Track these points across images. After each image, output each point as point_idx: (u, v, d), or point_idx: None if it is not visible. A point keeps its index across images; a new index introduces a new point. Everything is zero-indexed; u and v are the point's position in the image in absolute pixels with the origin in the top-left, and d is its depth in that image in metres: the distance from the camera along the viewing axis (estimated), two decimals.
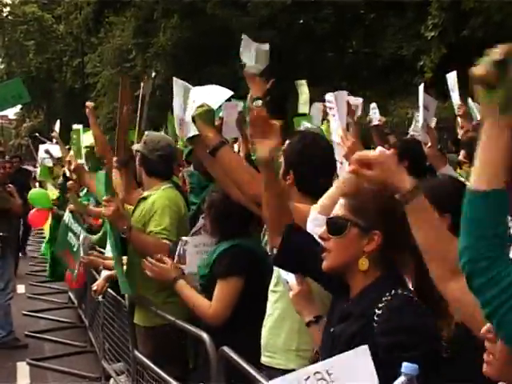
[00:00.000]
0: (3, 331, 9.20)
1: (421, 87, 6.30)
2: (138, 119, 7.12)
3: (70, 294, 11.04)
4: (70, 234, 8.28)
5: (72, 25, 36.53)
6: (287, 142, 3.74)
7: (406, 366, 1.94)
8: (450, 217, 3.43)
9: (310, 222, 3.21)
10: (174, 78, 4.35)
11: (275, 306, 3.62)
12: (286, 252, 2.93)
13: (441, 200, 3.42)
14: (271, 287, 3.67)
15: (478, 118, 7.04)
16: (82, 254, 7.02)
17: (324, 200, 3.18)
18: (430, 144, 5.63)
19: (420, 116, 6.02)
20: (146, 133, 5.50)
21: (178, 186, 5.79)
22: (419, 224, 2.24)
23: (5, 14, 56.60)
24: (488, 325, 1.83)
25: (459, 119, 6.87)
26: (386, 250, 2.52)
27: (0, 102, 12.60)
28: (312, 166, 3.53)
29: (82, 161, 7.83)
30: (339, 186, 3.12)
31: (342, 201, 2.61)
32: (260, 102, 4.76)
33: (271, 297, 3.66)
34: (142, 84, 7.69)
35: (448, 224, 3.43)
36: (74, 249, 8.09)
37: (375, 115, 7.80)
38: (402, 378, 1.91)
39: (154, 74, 7.77)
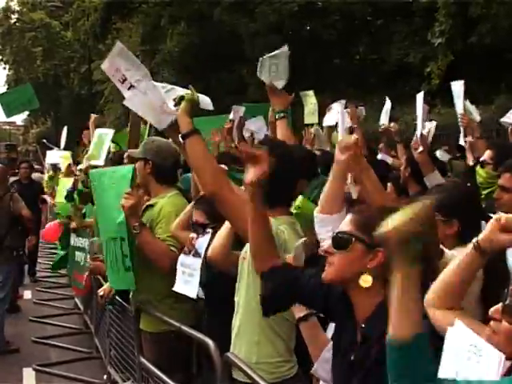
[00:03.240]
0: None
1: (419, 95, 6.33)
2: (148, 126, 7.17)
3: (76, 300, 11.03)
4: (77, 253, 8.35)
5: (79, 31, 36.63)
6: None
7: None
8: (457, 222, 3.44)
9: (317, 224, 3.22)
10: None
11: (236, 317, 3.65)
12: (271, 300, 2.95)
13: (449, 205, 3.43)
14: (235, 297, 3.69)
15: (477, 120, 7.08)
16: (88, 259, 7.01)
17: (322, 200, 3.24)
18: (421, 149, 5.68)
19: (419, 123, 6.06)
20: (150, 139, 5.47)
21: (183, 191, 5.79)
22: None
23: (13, 21, 56.86)
24: (496, 306, 2.06)
25: (462, 128, 6.86)
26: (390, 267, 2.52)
27: (10, 108, 12.72)
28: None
29: (100, 162, 7.81)
30: (332, 181, 3.25)
31: (349, 217, 2.64)
32: (282, 114, 4.80)
33: (235, 307, 3.69)
34: None
35: (455, 230, 3.44)
36: (81, 263, 8.13)
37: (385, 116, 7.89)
38: None
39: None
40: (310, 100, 8.84)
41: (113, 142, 8.29)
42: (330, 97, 17.73)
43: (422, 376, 1.90)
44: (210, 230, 4.36)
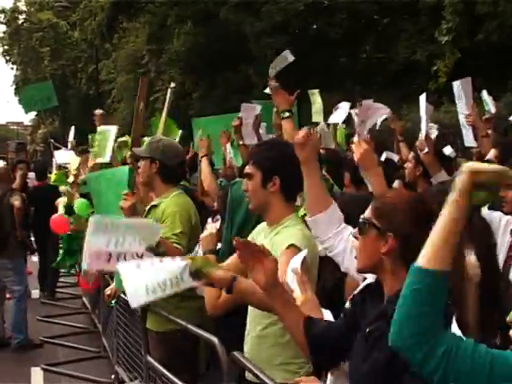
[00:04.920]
0: (21, 335, 9.27)
1: (422, 96, 6.32)
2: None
3: (83, 299, 11.07)
4: None
5: (87, 31, 36.70)
6: (257, 148, 3.92)
7: None
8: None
9: (313, 229, 3.37)
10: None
11: (256, 320, 3.64)
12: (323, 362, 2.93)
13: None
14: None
15: (493, 111, 7.03)
16: None
17: (306, 204, 3.36)
18: (426, 150, 5.68)
19: (423, 124, 6.06)
20: (155, 138, 5.48)
21: (189, 189, 5.80)
22: None
23: (20, 22, 57.01)
24: None
25: (469, 128, 6.81)
26: (404, 252, 2.53)
27: (28, 103, 12.70)
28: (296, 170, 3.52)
29: (106, 159, 7.80)
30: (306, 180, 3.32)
31: (372, 203, 2.70)
32: (287, 114, 4.83)
33: (252, 311, 3.68)
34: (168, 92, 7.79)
35: None
36: None
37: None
38: None
39: (173, 85, 7.85)
40: (316, 99, 8.84)
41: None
42: (337, 95, 17.78)
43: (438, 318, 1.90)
44: (218, 217, 4.51)
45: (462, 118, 6.97)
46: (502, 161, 5.06)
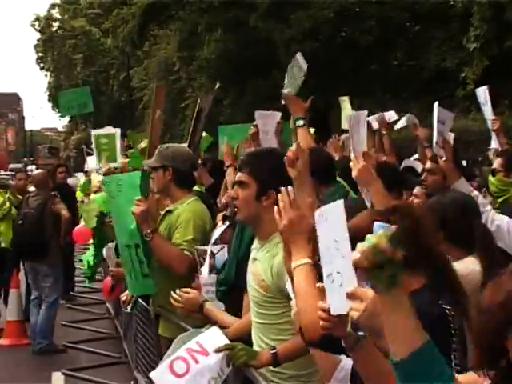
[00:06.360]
0: (45, 341, 9.33)
1: (436, 104, 6.29)
2: (190, 131, 7.21)
3: (107, 304, 11.12)
4: None
5: (118, 38, 36.99)
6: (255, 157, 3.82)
7: (377, 226, 2.03)
8: (443, 233, 3.44)
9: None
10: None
11: (266, 335, 3.60)
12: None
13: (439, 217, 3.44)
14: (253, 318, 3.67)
15: None
16: (110, 267, 7.04)
17: None
18: (444, 158, 5.62)
19: (434, 131, 6.00)
20: (163, 146, 5.47)
21: (203, 194, 5.80)
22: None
23: (54, 29, 57.71)
24: None
25: (493, 134, 6.80)
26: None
27: (65, 107, 12.89)
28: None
29: (117, 164, 7.83)
30: None
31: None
32: (302, 122, 4.79)
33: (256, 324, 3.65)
34: (199, 99, 7.79)
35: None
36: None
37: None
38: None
39: (217, 85, 7.88)
40: (346, 106, 8.82)
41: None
42: (367, 103, 17.71)
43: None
44: (227, 223, 4.52)
45: (489, 123, 6.99)
46: (507, 170, 5.01)
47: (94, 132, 8.43)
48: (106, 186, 5.53)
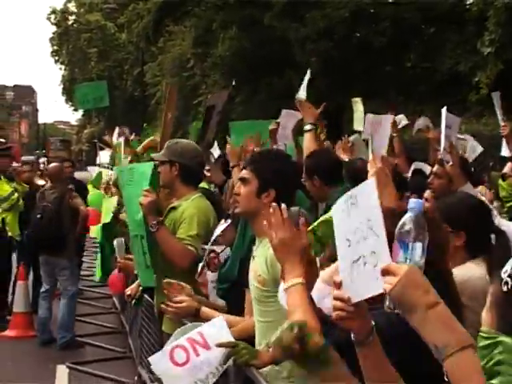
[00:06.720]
0: (69, 334, 9.37)
1: (444, 109, 6.28)
2: (203, 128, 7.22)
3: (114, 299, 11.14)
4: None
5: (133, 34, 37.08)
6: (260, 156, 3.88)
7: (412, 202, 2.00)
8: (464, 234, 3.43)
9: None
10: None
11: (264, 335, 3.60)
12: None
13: (457, 217, 3.42)
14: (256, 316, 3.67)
15: None
16: (118, 259, 7.06)
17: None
18: (451, 162, 5.60)
19: (442, 136, 5.99)
20: (172, 141, 5.48)
21: (208, 191, 5.80)
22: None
23: (70, 23, 57.87)
24: None
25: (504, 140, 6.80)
26: None
27: (82, 100, 13.01)
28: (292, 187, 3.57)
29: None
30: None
31: None
32: (309, 127, 4.81)
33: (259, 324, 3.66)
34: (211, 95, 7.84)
35: (463, 241, 3.44)
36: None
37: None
38: (408, 214, 1.98)
39: (234, 83, 7.96)
40: (359, 107, 8.81)
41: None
42: (377, 104, 17.64)
43: None
44: (228, 221, 4.60)
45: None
46: None
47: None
48: (119, 174, 5.53)
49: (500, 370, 1.65)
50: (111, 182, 10.18)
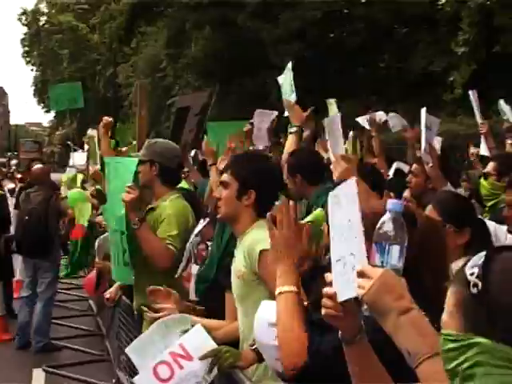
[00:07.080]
0: (45, 339, 9.27)
1: (423, 110, 6.32)
2: (171, 129, 7.17)
3: (90, 301, 11.05)
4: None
5: (105, 34, 36.91)
6: (238, 159, 3.88)
7: (390, 202, 1.97)
8: (469, 231, 3.43)
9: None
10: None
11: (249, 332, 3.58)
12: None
13: (459, 216, 3.42)
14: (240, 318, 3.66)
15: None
16: (96, 260, 7.01)
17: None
18: (431, 164, 5.63)
19: (422, 137, 6.02)
20: (151, 141, 5.44)
21: (188, 192, 5.77)
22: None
23: (41, 23, 57.47)
24: None
25: (483, 137, 6.84)
26: None
27: (56, 101, 12.85)
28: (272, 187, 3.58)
29: (99, 166, 7.85)
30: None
31: None
32: (294, 129, 4.82)
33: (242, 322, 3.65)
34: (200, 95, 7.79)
35: (466, 239, 3.43)
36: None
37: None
38: (388, 215, 1.95)
39: (218, 87, 7.96)
40: (333, 108, 8.81)
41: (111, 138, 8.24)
42: (353, 105, 17.69)
43: None
44: (207, 219, 4.57)
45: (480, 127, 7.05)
46: (500, 174, 5.02)
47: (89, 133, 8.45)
48: (106, 166, 5.46)
49: (476, 372, 1.62)
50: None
